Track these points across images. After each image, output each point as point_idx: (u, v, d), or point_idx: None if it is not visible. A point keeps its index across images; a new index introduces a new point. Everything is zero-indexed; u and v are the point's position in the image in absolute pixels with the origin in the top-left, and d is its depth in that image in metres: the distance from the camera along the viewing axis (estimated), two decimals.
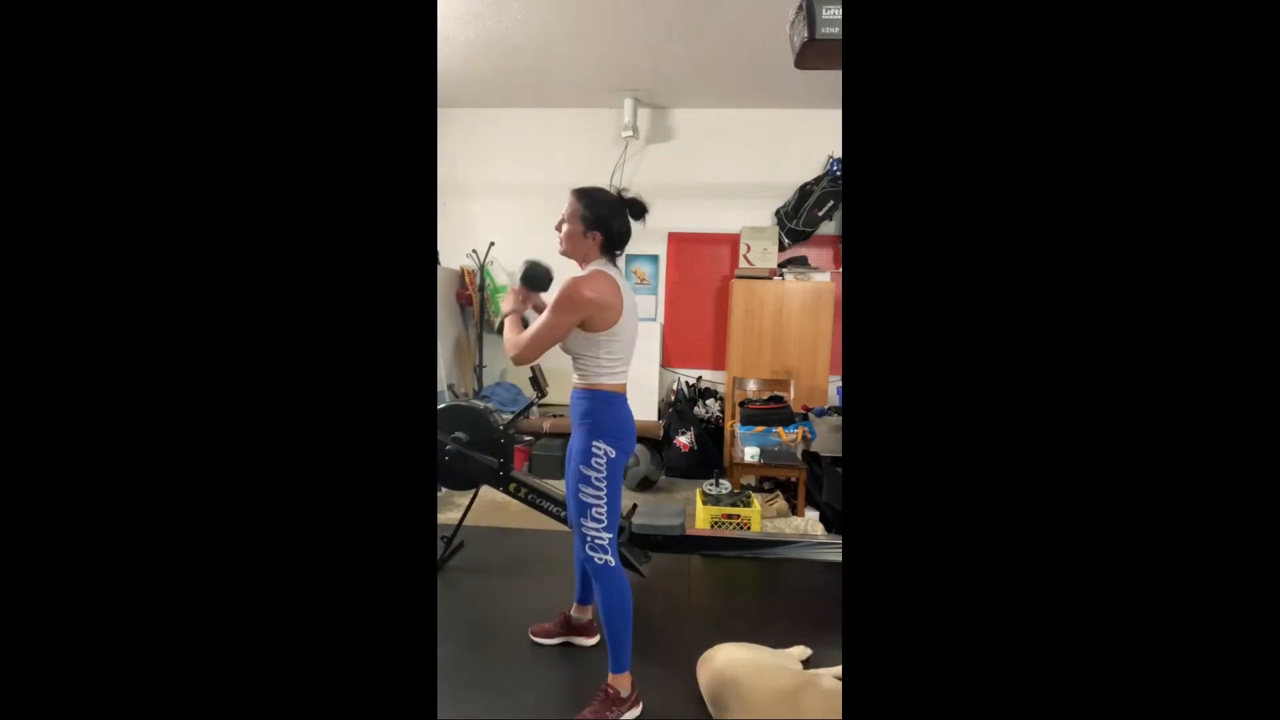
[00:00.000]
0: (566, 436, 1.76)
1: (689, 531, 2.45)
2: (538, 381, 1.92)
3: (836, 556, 2.33)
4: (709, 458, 3.83)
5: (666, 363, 4.44)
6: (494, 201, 4.44)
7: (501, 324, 2.27)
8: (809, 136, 4.18)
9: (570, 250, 1.63)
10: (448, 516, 2.83)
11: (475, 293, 4.26)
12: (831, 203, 4.09)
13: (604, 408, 1.59)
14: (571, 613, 1.99)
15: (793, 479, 3.46)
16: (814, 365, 3.91)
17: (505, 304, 1.74)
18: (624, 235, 1.63)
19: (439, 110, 4.24)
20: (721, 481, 3.01)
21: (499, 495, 2.35)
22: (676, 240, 4.40)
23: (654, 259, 4.42)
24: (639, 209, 1.63)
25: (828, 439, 3.36)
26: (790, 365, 3.92)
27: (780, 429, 3.33)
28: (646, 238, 4.36)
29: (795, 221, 4.13)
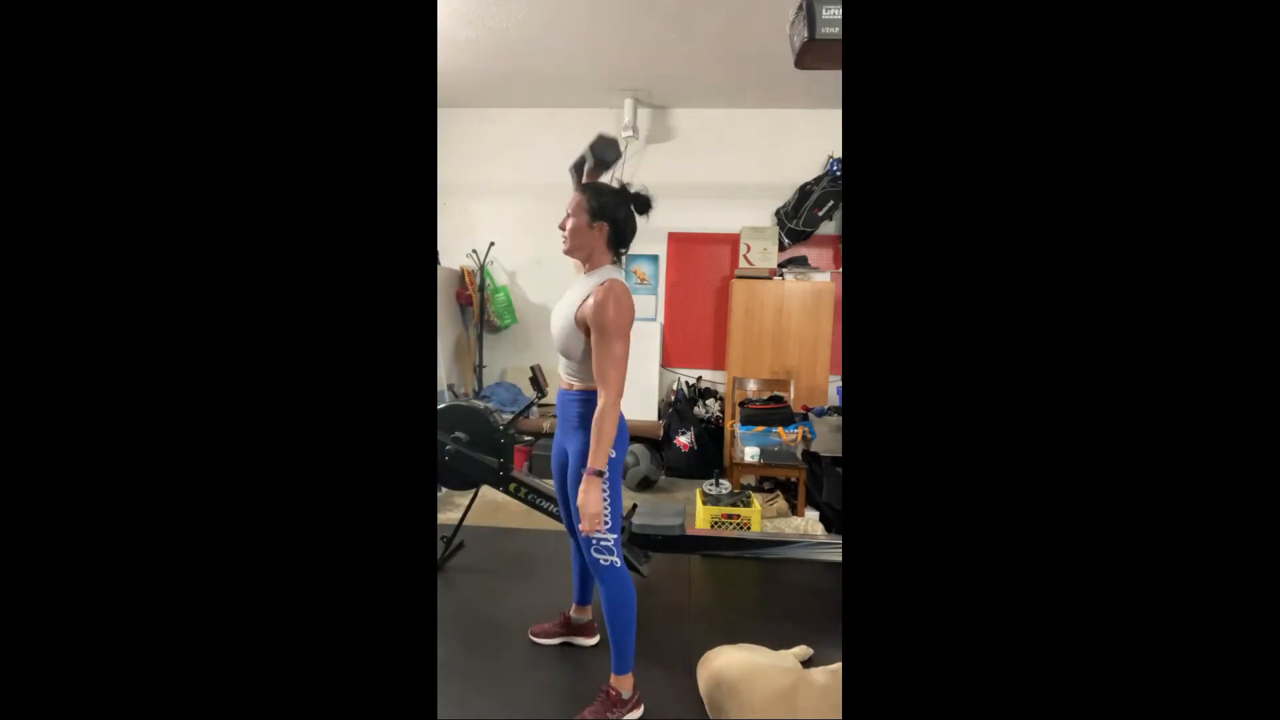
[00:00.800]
0: None
1: (689, 531, 2.44)
2: (538, 381, 1.92)
3: (836, 556, 2.33)
4: (709, 458, 3.83)
5: (666, 363, 4.44)
6: (494, 201, 4.44)
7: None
8: (809, 136, 4.18)
9: (575, 246, 1.58)
10: (448, 516, 2.83)
11: (475, 293, 4.26)
12: (831, 203, 4.09)
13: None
14: (571, 613, 1.99)
15: (793, 479, 3.46)
16: (814, 365, 3.91)
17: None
18: (630, 228, 1.60)
19: (439, 110, 4.24)
20: (721, 481, 3.01)
21: (499, 495, 2.35)
22: (676, 240, 4.40)
23: (654, 259, 4.42)
24: (644, 203, 1.60)
25: (828, 439, 3.36)
26: (790, 365, 3.92)
27: (780, 429, 3.33)
28: (646, 238, 4.34)
29: (795, 221, 4.13)
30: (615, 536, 1.59)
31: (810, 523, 3.17)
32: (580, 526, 1.49)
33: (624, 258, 1.65)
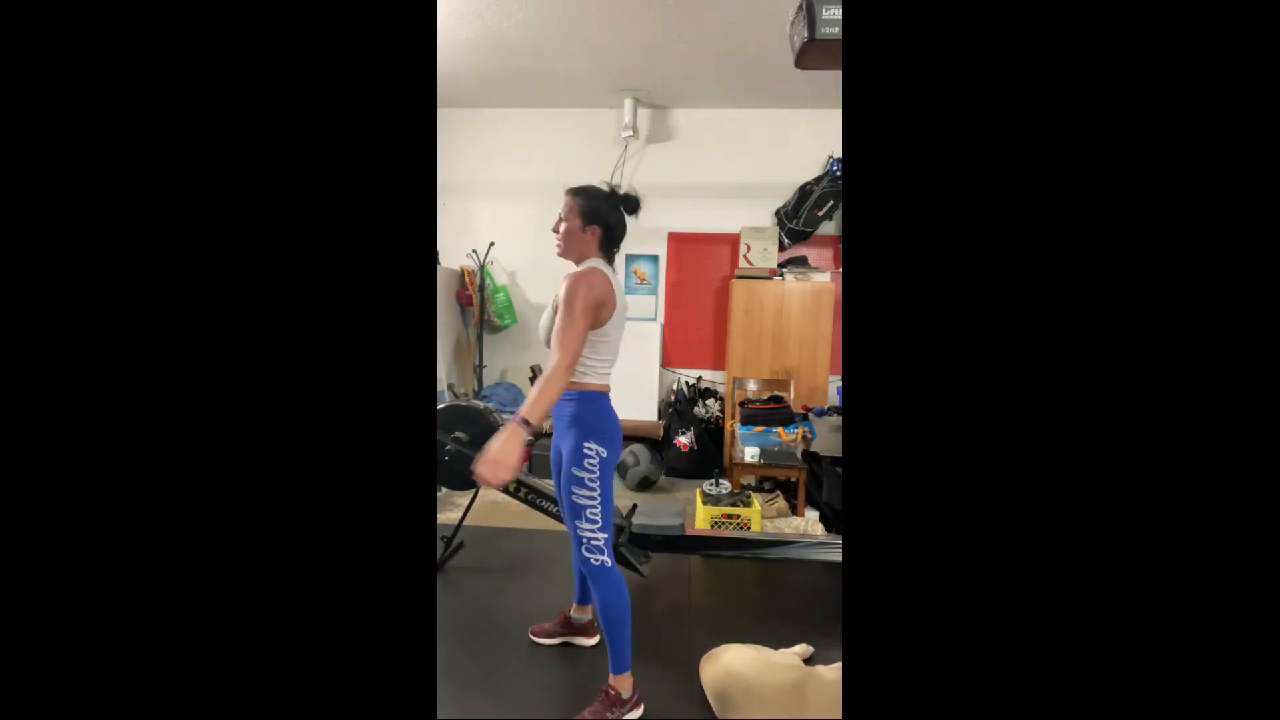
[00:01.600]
0: None
1: (689, 531, 2.44)
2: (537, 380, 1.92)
3: (836, 556, 2.33)
4: (709, 458, 3.83)
5: (666, 363, 4.44)
6: (494, 201, 4.44)
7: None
8: (809, 136, 4.18)
9: (569, 249, 1.64)
10: (448, 516, 2.83)
11: (475, 293, 4.26)
12: (831, 203, 4.09)
13: (591, 408, 1.59)
14: (571, 613, 1.99)
15: (793, 479, 3.46)
16: (814, 365, 3.91)
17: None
18: (621, 229, 1.65)
19: (439, 110, 4.24)
20: (721, 481, 3.01)
21: (499, 495, 2.35)
22: (676, 240, 4.40)
23: (654, 259, 4.42)
24: (632, 203, 1.66)
25: (828, 439, 3.36)
26: (790, 365, 3.92)
27: (780, 429, 3.33)
28: (646, 238, 4.37)
29: (795, 221, 4.13)
30: (606, 536, 1.59)
31: (810, 523, 3.17)
32: (475, 467, 1.39)
33: (619, 256, 1.69)
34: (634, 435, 3.83)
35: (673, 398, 4.20)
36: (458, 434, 2.28)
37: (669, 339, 4.45)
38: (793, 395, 3.77)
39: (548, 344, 1.62)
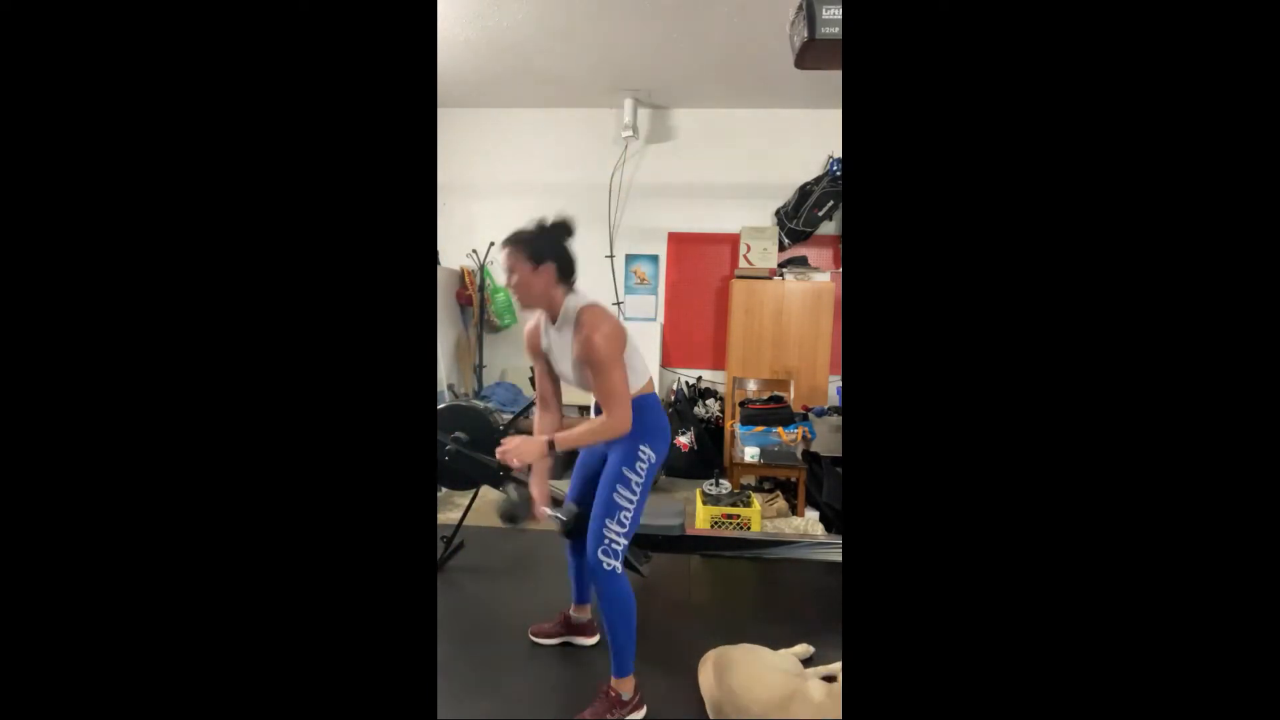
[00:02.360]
0: None
1: (689, 531, 2.45)
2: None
3: (836, 556, 2.33)
4: (709, 458, 3.83)
5: (666, 363, 4.44)
6: (494, 201, 4.44)
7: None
8: (809, 136, 4.18)
9: (529, 297, 1.56)
10: (448, 516, 2.83)
11: (475, 293, 4.26)
12: (831, 203, 4.09)
13: (650, 413, 1.62)
14: (571, 612, 1.99)
15: (793, 479, 3.46)
16: (814, 365, 3.91)
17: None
18: (570, 256, 1.58)
19: (439, 110, 4.24)
20: (721, 481, 3.01)
21: (499, 495, 2.35)
22: (676, 240, 4.40)
23: (654, 259, 4.42)
24: (567, 228, 1.58)
25: (828, 439, 3.36)
26: (790, 365, 3.92)
27: (780, 429, 3.33)
28: (646, 238, 4.37)
29: (795, 221, 4.13)
30: (625, 543, 1.59)
31: (810, 523, 3.17)
32: (499, 451, 1.54)
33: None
34: None
35: (673, 398, 4.20)
36: (458, 434, 2.28)
37: (669, 339, 4.45)
38: (793, 395, 3.77)
39: (578, 385, 1.63)
